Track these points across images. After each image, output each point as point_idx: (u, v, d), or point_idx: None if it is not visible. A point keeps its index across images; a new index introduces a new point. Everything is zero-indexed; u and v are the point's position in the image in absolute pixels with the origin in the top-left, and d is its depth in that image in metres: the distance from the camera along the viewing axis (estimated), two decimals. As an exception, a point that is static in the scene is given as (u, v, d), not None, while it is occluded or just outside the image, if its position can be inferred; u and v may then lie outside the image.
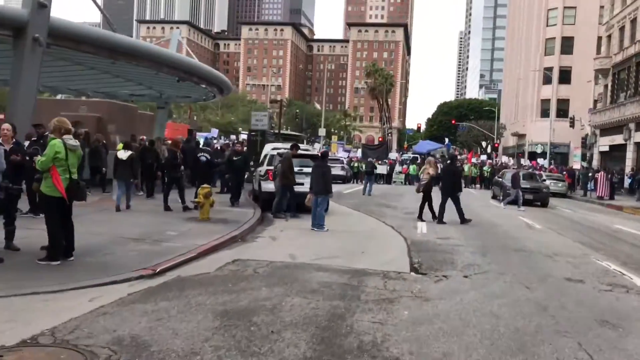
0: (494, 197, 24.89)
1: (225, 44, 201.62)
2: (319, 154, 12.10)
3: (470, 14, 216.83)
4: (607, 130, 39.63)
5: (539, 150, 63.20)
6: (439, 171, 15.58)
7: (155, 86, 22.74)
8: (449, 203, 13.95)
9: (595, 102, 58.87)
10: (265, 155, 16.14)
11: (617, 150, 38.02)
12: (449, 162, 16.02)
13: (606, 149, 39.97)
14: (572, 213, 19.91)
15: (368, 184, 23.86)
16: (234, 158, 15.37)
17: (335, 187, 28.76)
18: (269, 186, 14.40)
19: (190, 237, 8.89)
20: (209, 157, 16.78)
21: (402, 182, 37.08)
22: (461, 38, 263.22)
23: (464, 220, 13.81)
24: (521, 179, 22.83)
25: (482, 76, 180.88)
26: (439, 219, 13.74)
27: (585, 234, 13.17)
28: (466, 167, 37.11)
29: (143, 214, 11.74)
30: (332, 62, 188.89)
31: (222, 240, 8.88)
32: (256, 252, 8.25)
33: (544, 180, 25.78)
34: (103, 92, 24.75)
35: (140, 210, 12.19)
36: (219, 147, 24.20)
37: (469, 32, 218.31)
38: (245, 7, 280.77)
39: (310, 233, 10.89)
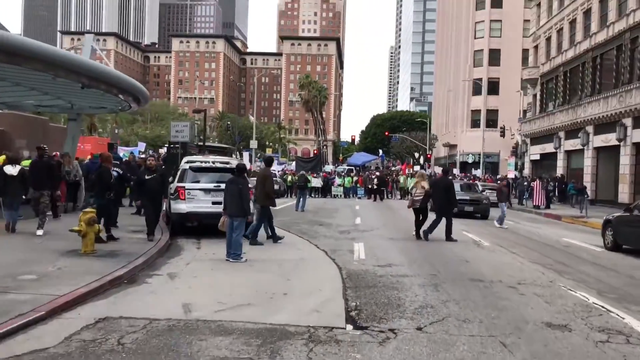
0: (432, 209, 23.61)
1: (155, 57, 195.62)
2: (235, 168, 9.98)
3: (400, 29, 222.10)
4: (537, 139, 39.94)
5: (470, 160, 64.00)
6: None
7: (64, 96, 19.82)
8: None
9: (524, 112, 60.35)
10: (177, 170, 13.88)
11: (548, 159, 38.30)
12: (441, 175, 14.59)
13: (537, 157, 40.27)
14: (515, 225, 18.83)
15: (301, 199, 21.99)
16: (146, 177, 11.85)
17: (266, 203, 26.92)
18: (179, 207, 12.16)
19: (53, 281, 6.58)
20: (120, 172, 14.39)
21: (341, 195, 35.54)
22: (392, 53, 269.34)
23: (450, 238, 12.83)
24: (458, 189, 21.81)
25: (412, 89, 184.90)
26: (425, 236, 12.76)
27: (539, 251, 11.83)
28: (401, 179, 36.08)
29: (17, 242, 9.29)
30: (266, 76, 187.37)
31: (98, 284, 6.63)
32: (137, 304, 6.06)
33: (483, 190, 24.86)
34: (3, 103, 21.58)
35: (23, 233, 9.75)
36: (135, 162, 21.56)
37: (399, 46, 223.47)
38: (176, 20, 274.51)
39: (223, 266, 8.80)
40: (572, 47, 34.12)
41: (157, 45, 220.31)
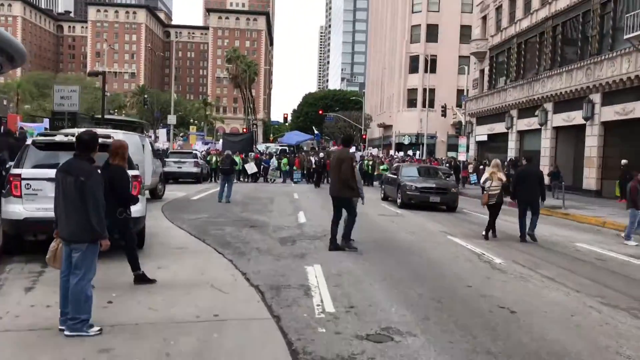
0: (385, 198, 19.73)
1: (70, 27, 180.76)
2: (77, 141, 4.99)
3: (330, 9, 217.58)
4: (484, 118, 37.15)
5: (406, 142, 61.18)
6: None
7: None
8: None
9: (461, 91, 58.16)
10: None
11: (497, 140, 35.59)
12: (524, 162, 12.15)
13: (484, 138, 37.53)
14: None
15: (226, 187, 17.26)
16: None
17: (185, 189, 21.93)
18: (12, 209, 7.26)
19: None
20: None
21: (274, 180, 30.95)
22: (322, 32, 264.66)
23: (534, 237, 10.91)
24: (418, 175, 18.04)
25: (343, 69, 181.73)
26: (532, 236, 10.92)
27: (575, 272, 8.03)
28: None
29: None
30: (192, 50, 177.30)
31: None
32: None
33: (448, 176, 21.19)
34: None
35: None
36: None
37: (329, 26, 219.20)
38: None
39: (49, 346, 4.18)
40: (528, 16, 31.15)
41: (71, 14, 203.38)
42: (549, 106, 27.99)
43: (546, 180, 26.77)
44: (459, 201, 17.30)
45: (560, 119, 27.00)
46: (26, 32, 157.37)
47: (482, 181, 11.71)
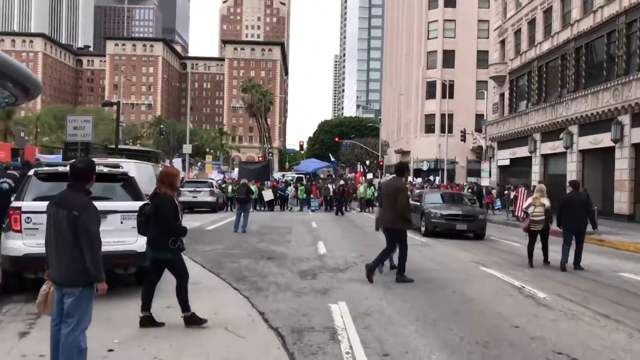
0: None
1: (89, 60, 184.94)
2: (71, 171, 4.34)
3: (344, 37, 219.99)
4: (506, 142, 36.31)
5: (424, 167, 60.34)
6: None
7: None
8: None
9: (480, 115, 57.43)
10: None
11: (519, 164, 34.65)
12: (570, 188, 11.31)
13: (506, 162, 36.60)
14: (523, 247, 14.30)
15: (242, 217, 16.63)
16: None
17: (200, 219, 21.36)
18: (12, 244, 6.68)
19: None
20: (12, 185, 9.04)
21: (291, 208, 30.35)
22: (336, 61, 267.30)
23: (579, 267, 10.29)
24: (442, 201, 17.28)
25: (358, 97, 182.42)
26: (578, 265, 10.33)
27: (619, 302, 7.18)
28: (361, 188, 31.31)
29: None
30: (208, 81, 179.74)
31: None
32: None
33: (473, 202, 20.34)
34: None
35: None
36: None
37: (344, 54, 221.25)
38: (113, 24, 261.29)
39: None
40: (549, 39, 30.56)
41: (90, 49, 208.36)
42: (574, 129, 27.13)
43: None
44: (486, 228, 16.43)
45: (587, 142, 26.09)
46: (47, 66, 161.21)
47: (524, 207, 11.22)
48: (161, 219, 5.45)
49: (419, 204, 17.33)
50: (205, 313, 6.16)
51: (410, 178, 56.15)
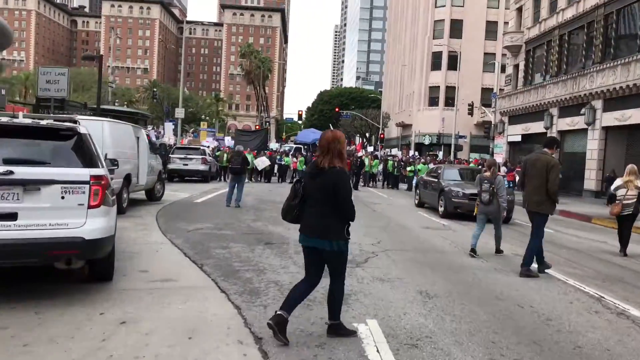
0: (421, 204, 17.02)
1: (84, 22, 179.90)
2: None
3: (346, 6, 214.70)
4: (518, 117, 34.17)
5: (426, 142, 58.36)
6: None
7: None
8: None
9: (486, 89, 55.14)
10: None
11: (532, 140, 32.59)
12: None
13: (517, 138, 34.53)
14: (560, 235, 12.43)
15: (235, 189, 14.60)
16: None
17: (189, 189, 19.38)
18: None
19: None
20: None
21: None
22: (336, 31, 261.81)
23: None
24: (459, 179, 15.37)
25: (358, 68, 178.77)
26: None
27: None
28: (365, 161, 29.27)
29: None
30: (206, 47, 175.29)
31: None
32: None
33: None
34: None
35: None
36: None
37: (345, 24, 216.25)
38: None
39: None
40: (573, 5, 28.16)
41: (86, 9, 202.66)
42: (597, 104, 25.03)
43: (594, 185, 24.01)
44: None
45: (612, 118, 24.03)
46: (40, 26, 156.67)
47: (612, 189, 9.97)
48: (340, 200, 4.08)
49: (436, 180, 15.35)
50: (173, 336, 4.20)
51: (411, 152, 54.26)
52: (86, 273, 5.66)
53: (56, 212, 4.80)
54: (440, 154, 47.86)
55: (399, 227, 11.76)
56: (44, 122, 5.26)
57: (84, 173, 4.99)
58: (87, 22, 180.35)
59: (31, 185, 4.71)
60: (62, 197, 4.85)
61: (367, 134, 75.13)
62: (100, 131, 10.55)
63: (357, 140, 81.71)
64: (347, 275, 6.44)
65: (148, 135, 14.30)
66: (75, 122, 5.81)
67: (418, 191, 17.48)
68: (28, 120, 5.31)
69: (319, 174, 4.13)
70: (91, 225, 4.96)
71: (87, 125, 9.65)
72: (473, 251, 8.62)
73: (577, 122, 26.74)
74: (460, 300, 5.72)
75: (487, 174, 9.04)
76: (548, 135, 29.85)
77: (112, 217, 5.41)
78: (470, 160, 41.86)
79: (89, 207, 4.98)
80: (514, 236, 11.47)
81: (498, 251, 9.02)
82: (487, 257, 8.72)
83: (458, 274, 7.20)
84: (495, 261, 8.36)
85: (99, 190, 5.05)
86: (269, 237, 9.35)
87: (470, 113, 45.00)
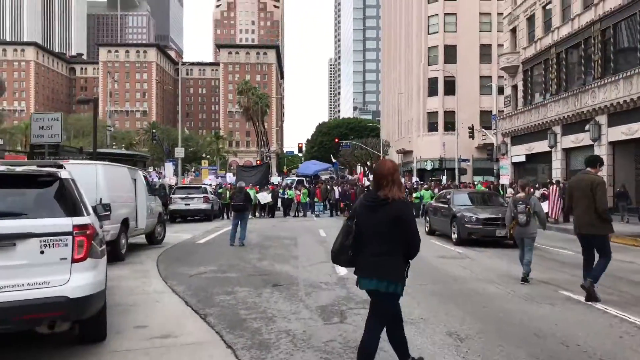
0: (432, 232, 16.40)
1: (82, 68, 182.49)
2: None
3: (339, 40, 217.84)
4: (520, 137, 33.79)
5: (428, 167, 57.98)
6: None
7: None
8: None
9: (484, 112, 54.98)
10: None
11: (536, 160, 32.17)
12: None
13: (521, 159, 34.05)
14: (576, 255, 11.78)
15: (239, 226, 13.99)
16: None
17: (192, 230, 18.79)
18: None
19: None
20: None
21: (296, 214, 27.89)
22: (331, 64, 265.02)
23: None
24: (471, 203, 14.78)
25: (354, 99, 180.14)
26: None
27: None
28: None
29: None
30: (204, 87, 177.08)
31: None
32: None
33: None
34: None
35: None
36: None
37: (339, 57, 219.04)
38: (106, 31, 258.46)
39: None
40: (568, 22, 28.10)
41: (84, 57, 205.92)
42: (602, 119, 24.64)
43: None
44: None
45: (618, 133, 23.59)
46: (39, 75, 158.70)
47: None
48: (410, 234, 3.72)
49: (446, 206, 14.77)
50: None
51: (414, 178, 53.78)
52: (76, 334, 5.06)
53: (35, 269, 4.24)
54: (444, 179, 47.36)
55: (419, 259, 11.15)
56: (19, 169, 4.75)
57: (66, 223, 4.45)
58: (85, 68, 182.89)
59: (4, 241, 4.16)
60: (42, 252, 4.29)
61: (369, 163, 74.80)
62: (94, 175, 10.08)
63: (359, 169, 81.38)
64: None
65: (146, 177, 13.80)
66: (60, 166, 5.29)
67: (428, 218, 16.87)
68: (2, 168, 4.79)
69: (381, 206, 3.69)
70: (76, 281, 4.39)
71: (79, 169, 9.17)
72: (525, 278, 8.27)
73: (581, 138, 26.31)
74: (496, 341, 5.09)
75: (521, 194, 8.65)
76: (553, 153, 29.43)
77: (101, 271, 4.84)
78: (476, 182, 41.35)
79: (73, 261, 4.42)
80: (536, 261, 10.82)
81: (524, 279, 8.39)
82: (510, 284, 8.08)
83: (486, 308, 6.57)
84: (522, 290, 7.72)
85: (83, 242, 4.49)
86: (276, 278, 8.73)
87: (472, 136, 44.68)
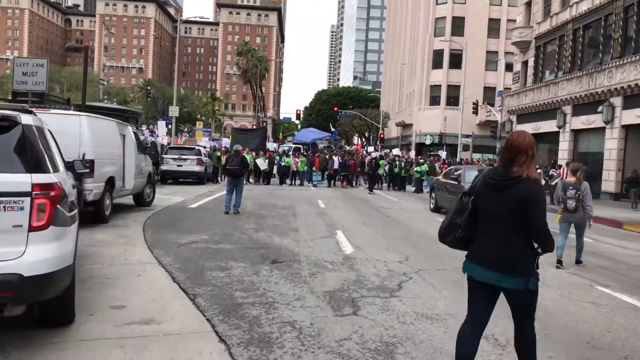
0: (437, 209, 15.56)
1: (78, 20, 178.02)
2: None
3: (342, 6, 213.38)
4: (527, 115, 32.76)
5: (428, 142, 56.98)
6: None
7: None
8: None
9: (488, 88, 53.79)
10: None
11: (543, 140, 31.21)
12: None
13: (527, 138, 33.05)
14: (603, 245, 10.98)
15: (235, 193, 13.04)
16: None
17: (183, 193, 17.79)
18: None
19: None
20: None
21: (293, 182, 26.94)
22: (333, 31, 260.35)
23: None
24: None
25: (355, 68, 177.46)
26: None
27: None
28: (381, 162, 27.50)
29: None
30: (202, 46, 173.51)
31: None
32: None
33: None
34: None
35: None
36: None
37: (341, 24, 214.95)
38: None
39: None
40: (588, -3, 26.80)
41: (80, 8, 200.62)
42: (617, 101, 23.64)
43: (613, 187, 22.38)
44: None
45: (633, 116, 22.63)
46: (33, 25, 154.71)
47: None
48: (541, 221, 2.99)
49: (456, 183, 13.89)
50: None
51: (412, 152, 52.85)
52: (36, 315, 4.16)
53: (-20, 237, 3.30)
54: (443, 154, 46.49)
55: (423, 237, 10.28)
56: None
57: (23, 181, 3.49)
58: (82, 21, 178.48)
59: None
60: (-9, 216, 3.35)
61: (367, 134, 73.69)
62: (77, 127, 9.06)
63: (357, 140, 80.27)
64: (384, 312, 4.97)
65: (136, 134, 12.77)
66: (26, 111, 4.28)
67: (434, 195, 16.00)
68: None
69: (510, 186, 3.03)
70: (34, 255, 3.46)
71: (61, 120, 8.12)
72: (559, 262, 7.88)
73: (592, 120, 25.36)
74: (543, 350, 4.24)
75: (572, 179, 7.86)
76: (561, 134, 28.51)
77: (68, 241, 3.91)
78: (475, 160, 40.55)
79: (31, 229, 3.49)
80: (568, 253, 10.00)
81: (578, 262, 8.18)
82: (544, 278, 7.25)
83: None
84: (556, 285, 6.88)
85: (45, 205, 3.54)
86: (275, 254, 7.84)
87: (475, 112, 43.67)
